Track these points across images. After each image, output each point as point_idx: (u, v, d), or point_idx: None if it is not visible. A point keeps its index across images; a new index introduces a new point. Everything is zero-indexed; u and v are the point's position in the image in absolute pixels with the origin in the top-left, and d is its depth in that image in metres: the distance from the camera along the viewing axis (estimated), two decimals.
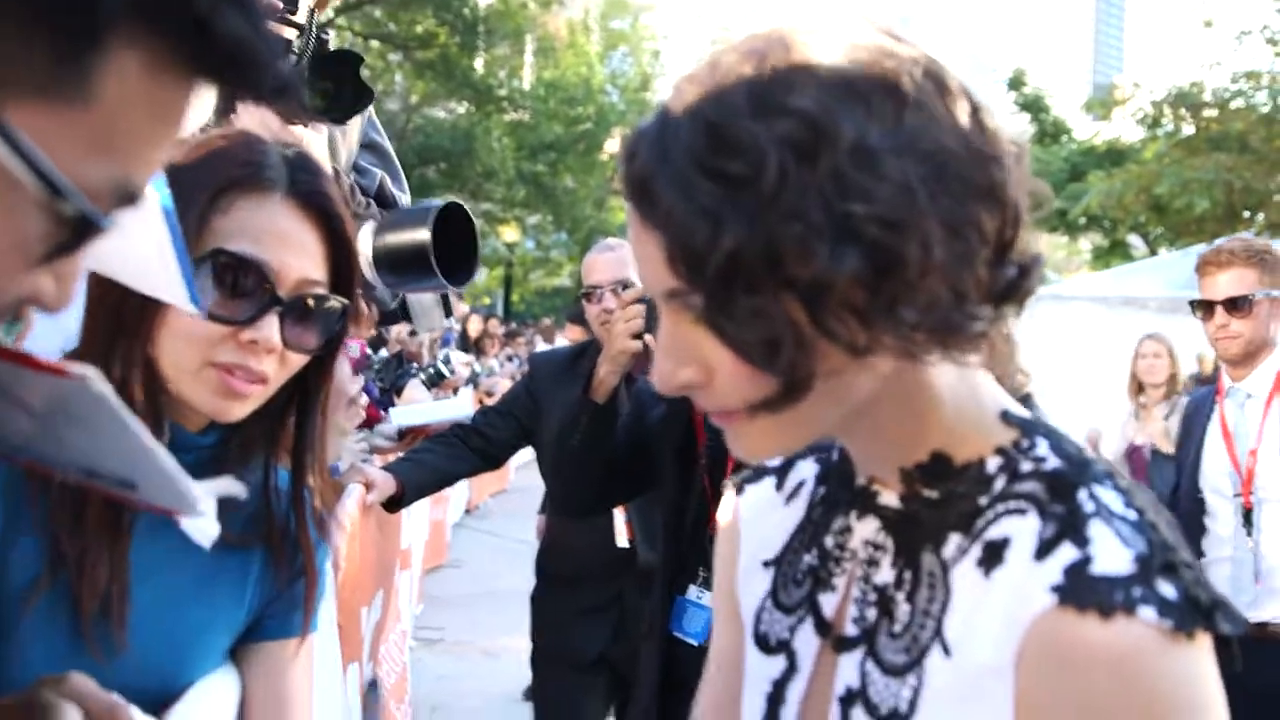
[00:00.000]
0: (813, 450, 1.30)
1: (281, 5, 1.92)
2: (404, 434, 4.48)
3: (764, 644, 1.22)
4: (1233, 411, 4.07)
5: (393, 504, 3.99)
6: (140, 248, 1.20)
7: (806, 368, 0.96)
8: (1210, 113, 17.40)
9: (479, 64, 28.13)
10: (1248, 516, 3.92)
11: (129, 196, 0.68)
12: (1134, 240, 23.31)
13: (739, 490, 1.37)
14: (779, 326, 0.94)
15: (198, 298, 1.31)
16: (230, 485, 1.27)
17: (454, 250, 1.76)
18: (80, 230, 0.65)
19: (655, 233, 0.97)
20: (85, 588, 1.38)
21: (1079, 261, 34.19)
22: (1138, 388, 7.04)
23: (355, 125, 2.18)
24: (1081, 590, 0.96)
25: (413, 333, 4.63)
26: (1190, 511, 4.07)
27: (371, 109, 2.30)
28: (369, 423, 4.17)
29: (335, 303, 1.52)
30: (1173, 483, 4.35)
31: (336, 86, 1.71)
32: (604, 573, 3.99)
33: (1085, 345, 13.35)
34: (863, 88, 0.93)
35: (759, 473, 1.35)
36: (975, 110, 0.98)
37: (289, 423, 1.61)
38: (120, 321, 1.41)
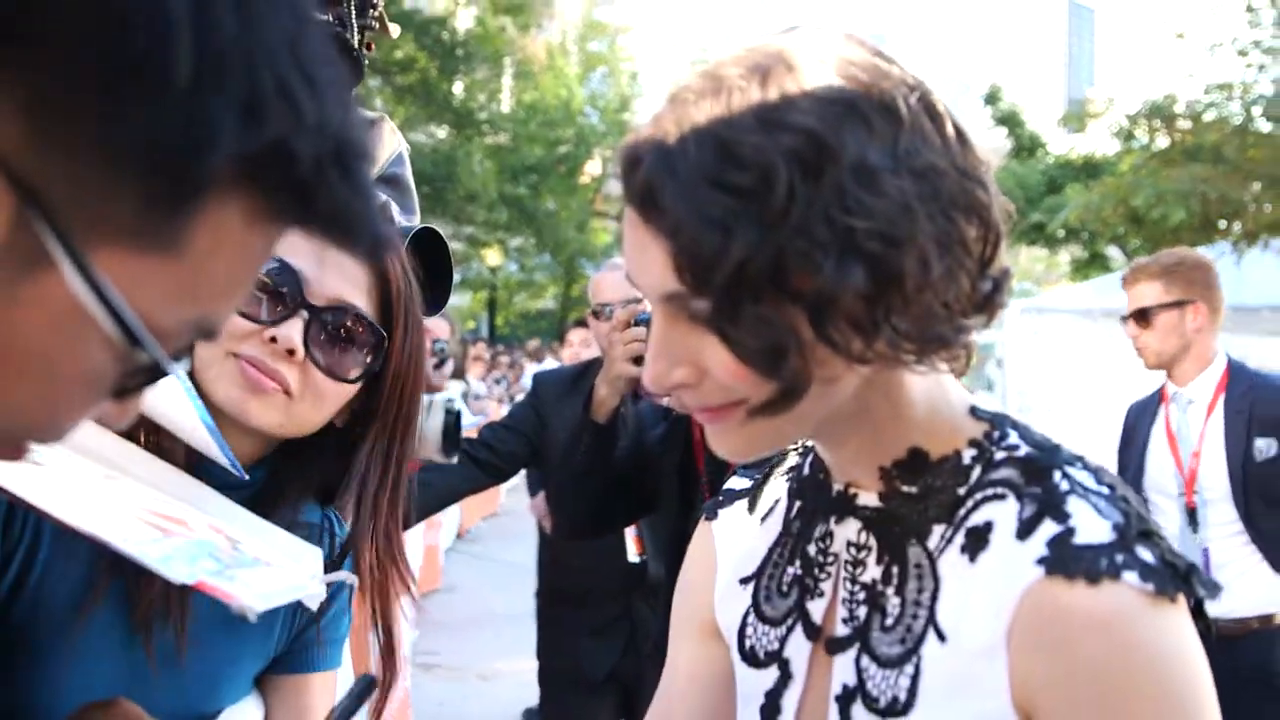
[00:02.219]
0: (783, 472, 1.33)
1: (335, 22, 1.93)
2: None
3: (752, 659, 1.24)
4: (1175, 416, 4.28)
5: None
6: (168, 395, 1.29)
7: (806, 374, 1.00)
8: (1184, 124, 17.51)
9: (458, 88, 28.10)
10: (1192, 516, 4.14)
11: (206, 334, 0.69)
12: (1113, 252, 23.42)
13: (711, 516, 1.39)
14: (783, 334, 0.97)
15: (234, 461, 1.39)
16: (347, 576, 1.38)
17: (427, 277, 1.71)
18: (151, 375, 0.66)
19: (660, 239, 0.99)
20: (142, 602, 1.41)
21: (1058, 274, 34.34)
22: None
23: (380, 160, 2.20)
24: (1067, 560, 1.01)
25: (438, 365, 4.58)
26: None
27: (405, 149, 2.31)
28: None
29: (371, 332, 1.54)
30: None
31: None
32: (613, 588, 3.98)
33: (1066, 357, 13.46)
34: (863, 107, 0.97)
35: (730, 497, 1.38)
36: (959, 133, 1.04)
37: (329, 465, 1.62)
38: None
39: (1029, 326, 14.17)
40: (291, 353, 1.48)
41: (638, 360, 2.92)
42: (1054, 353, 13.05)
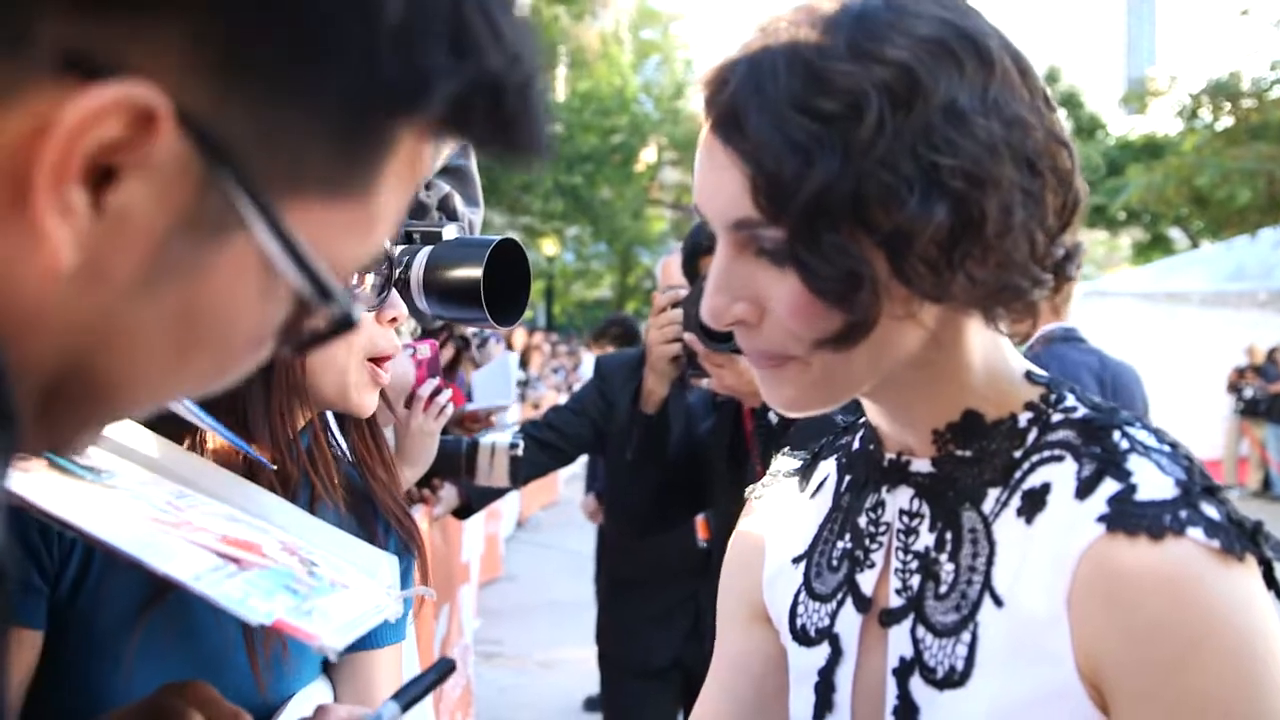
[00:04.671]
0: (833, 450, 1.31)
1: None
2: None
3: (804, 638, 1.22)
4: None
5: (462, 512, 3.96)
6: None
7: (875, 309, 0.98)
8: (1249, 102, 17.29)
9: None
10: None
11: (368, 268, 0.68)
12: (1175, 234, 23.18)
13: (758, 498, 1.37)
14: (858, 264, 0.96)
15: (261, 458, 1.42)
16: (425, 591, 1.42)
17: (505, 285, 1.74)
18: (340, 326, 0.61)
19: (740, 162, 0.98)
20: None
21: (1120, 257, 34.01)
22: None
23: (442, 154, 2.22)
24: (1129, 516, 0.98)
25: (480, 345, 4.59)
26: None
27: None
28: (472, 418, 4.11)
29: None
30: None
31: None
32: (679, 572, 3.94)
33: (1128, 341, 13.31)
34: (958, 51, 0.96)
35: (779, 477, 1.37)
36: (1046, 97, 1.03)
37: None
38: None
39: (1091, 310, 14.01)
40: (394, 320, 1.55)
41: (675, 340, 2.85)
42: (1116, 337, 12.89)
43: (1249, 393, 15.28)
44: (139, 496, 1.21)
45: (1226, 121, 17.87)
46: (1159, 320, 15.69)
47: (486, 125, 0.60)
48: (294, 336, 0.63)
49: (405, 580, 1.68)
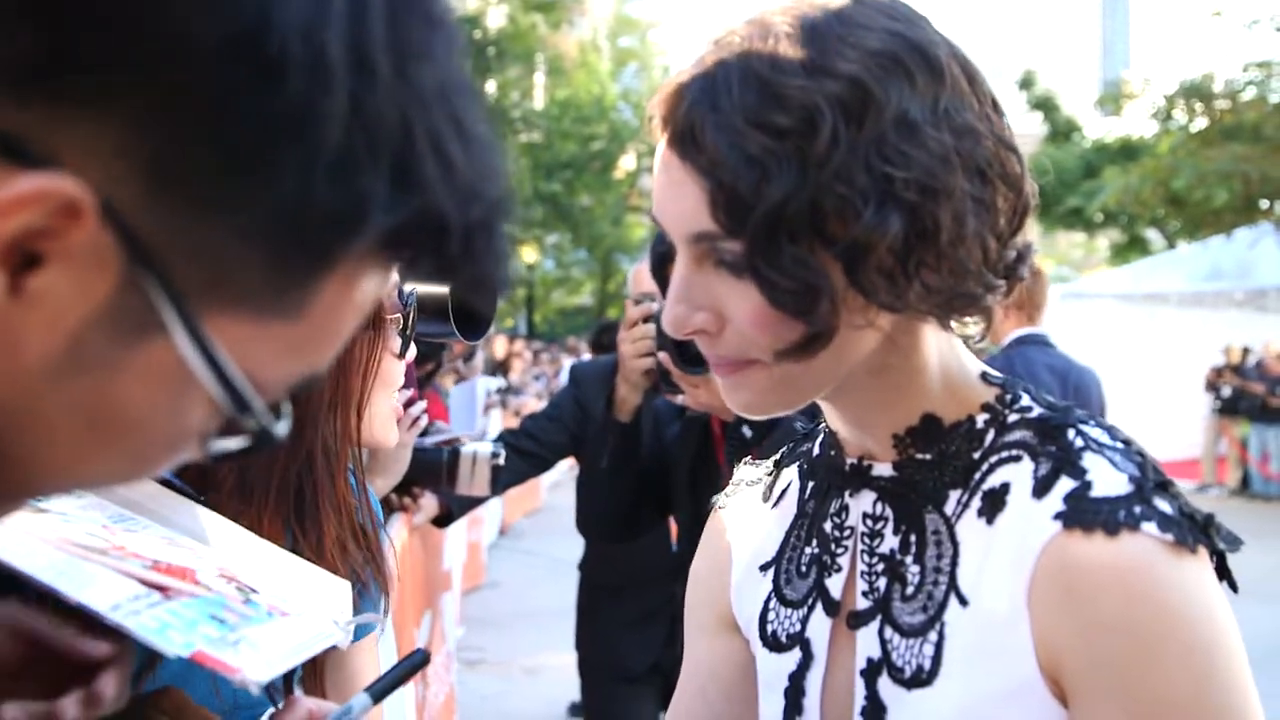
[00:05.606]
0: (794, 457, 1.32)
1: None
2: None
3: (774, 643, 1.23)
4: None
5: (442, 520, 3.96)
6: None
7: (834, 320, 1.00)
8: (1222, 104, 17.42)
9: (491, 86, 28.28)
10: None
11: (308, 384, 0.64)
12: (1152, 235, 23.31)
13: (722, 506, 1.38)
14: (817, 276, 0.97)
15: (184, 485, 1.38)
16: (377, 618, 1.41)
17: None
18: (260, 441, 0.60)
19: (697, 177, 0.99)
20: None
21: (1097, 259, 34.13)
22: None
23: None
24: (1085, 512, 1.00)
25: (468, 358, 4.59)
26: None
27: None
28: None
29: None
30: None
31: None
32: (655, 577, 3.89)
33: (1108, 342, 13.38)
34: (907, 63, 0.98)
35: (741, 486, 1.38)
36: (995, 104, 1.05)
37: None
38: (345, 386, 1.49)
39: (1069, 312, 14.08)
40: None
41: (649, 354, 2.88)
42: (1095, 338, 12.97)
43: (1227, 391, 15.38)
44: (71, 520, 1.18)
45: (1201, 123, 18.00)
46: (1137, 321, 15.79)
47: (429, 261, 0.60)
48: (218, 443, 0.63)
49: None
